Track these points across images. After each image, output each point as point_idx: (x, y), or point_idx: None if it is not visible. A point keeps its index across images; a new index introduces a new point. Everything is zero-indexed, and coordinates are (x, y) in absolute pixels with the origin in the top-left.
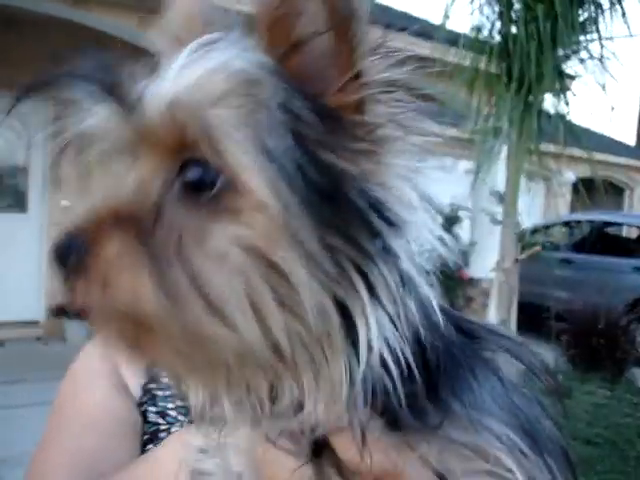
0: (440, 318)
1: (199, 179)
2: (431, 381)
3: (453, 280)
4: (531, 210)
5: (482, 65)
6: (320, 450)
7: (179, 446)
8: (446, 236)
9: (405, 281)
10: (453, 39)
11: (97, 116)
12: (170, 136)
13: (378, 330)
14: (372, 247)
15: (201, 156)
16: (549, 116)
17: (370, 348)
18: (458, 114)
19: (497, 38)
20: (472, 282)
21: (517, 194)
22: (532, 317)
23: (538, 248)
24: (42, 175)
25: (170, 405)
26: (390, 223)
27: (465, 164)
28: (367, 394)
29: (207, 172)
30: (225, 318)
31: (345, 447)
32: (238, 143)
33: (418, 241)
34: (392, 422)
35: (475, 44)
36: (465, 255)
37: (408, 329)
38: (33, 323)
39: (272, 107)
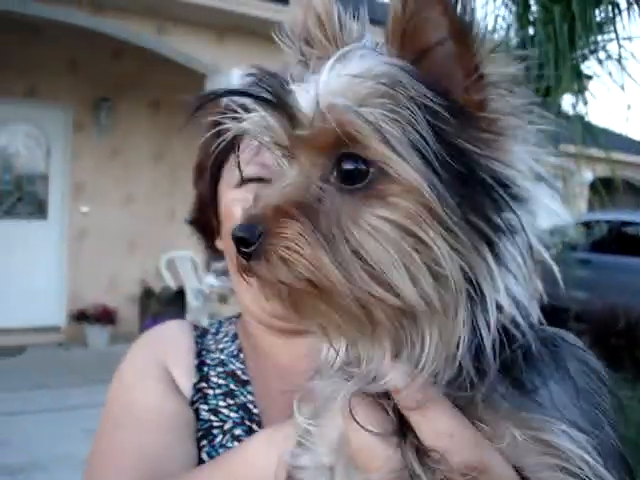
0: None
1: (354, 170)
2: (516, 377)
3: None
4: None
5: None
6: (405, 433)
7: (269, 443)
8: (561, 210)
9: (530, 250)
10: None
11: (257, 118)
12: (326, 135)
13: (506, 292)
14: (500, 220)
15: (354, 151)
16: (567, 117)
17: (500, 307)
18: None
19: (514, 39)
20: None
21: None
22: (551, 318)
23: (558, 248)
24: (62, 182)
25: (221, 403)
26: (515, 197)
27: None
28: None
29: (360, 163)
30: (385, 281)
31: (428, 431)
32: (386, 137)
33: (539, 215)
34: (478, 405)
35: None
36: None
37: (535, 294)
38: (54, 329)
39: (412, 105)
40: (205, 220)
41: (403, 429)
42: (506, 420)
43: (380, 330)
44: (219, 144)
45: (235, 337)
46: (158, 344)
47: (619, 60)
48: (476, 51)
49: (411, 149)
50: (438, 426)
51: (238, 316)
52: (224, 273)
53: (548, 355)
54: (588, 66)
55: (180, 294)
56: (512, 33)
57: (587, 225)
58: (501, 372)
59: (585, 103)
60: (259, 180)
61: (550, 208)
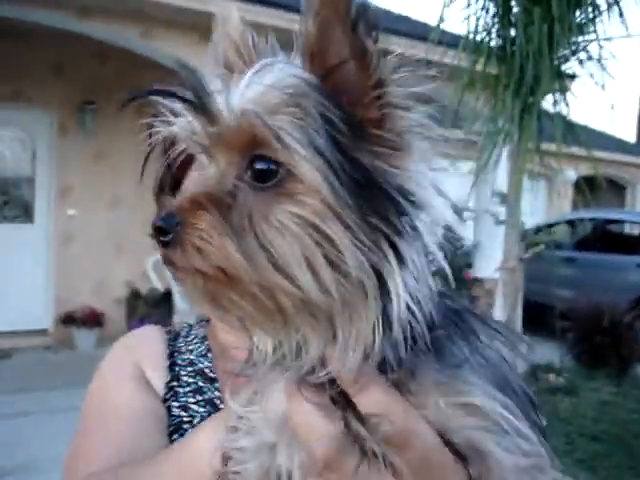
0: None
1: (265, 169)
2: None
3: (457, 280)
4: (534, 209)
5: (480, 67)
6: (344, 406)
7: (212, 430)
8: (454, 219)
9: (426, 253)
10: (450, 41)
11: (184, 122)
12: (240, 137)
13: (405, 288)
14: (400, 224)
15: (265, 152)
16: (550, 115)
17: (399, 300)
18: (461, 116)
19: (496, 40)
20: (476, 282)
21: (520, 194)
22: (537, 316)
23: (541, 247)
24: (48, 185)
25: (191, 399)
26: (414, 205)
27: (469, 165)
28: (393, 346)
29: (271, 164)
30: (287, 272)
31: (366, 402)
32: (294, 142)
33: (436, 222)
34: (402, 380)
35: (474, 46)
36: (469, 255)
37: (429, 291)
38: (42, 332)
39: (316, 115)
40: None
41: (342, 403)
42: (431, 391)
43: (292, 321)
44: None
45: (204, 339)
46: (133, 348)
47: (599, 60)
48: (374, 71)
49: (315, 153)
50: (374, 398)
51: (208, 319)
52: None
53: (459, 334)
54: (570, 67)
55: (167, 296)
56: (493, 34)
57: (571, 223)
58: (420, 353)
59: (566, 104)
60: None
61: (445, 215)
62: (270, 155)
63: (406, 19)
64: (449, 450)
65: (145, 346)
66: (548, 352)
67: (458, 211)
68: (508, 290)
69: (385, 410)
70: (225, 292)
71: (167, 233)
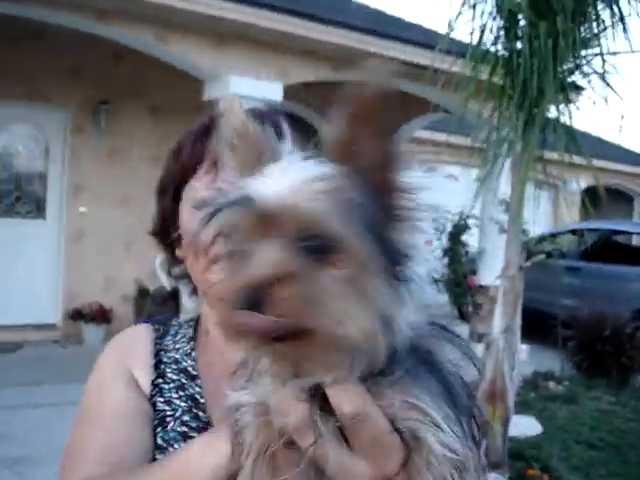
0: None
1: (312, 244)
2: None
3: (462, 287)
4: (539, 218)
5: (485, 76)
6: (316, 397)
7: (205, 443)
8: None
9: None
10: (459, 50)
11: (238, 217)
12: (287, 221)
13: (405, 321)
14: (401, 273)
15: (315, 232)
16: (555, 125)
17: (400, 331)
18: (469, 123)
19: (501, 51)
20: (480, 289)
21: (522, 202)
22: (539, 324)
23: (542, 256)
24: (60, 183)
25: (174, 395)
26: (409, 261)
27: (476, 172)
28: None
29: (322, 241)
30: (351, 327)
31: (338, 398)
32: (335, 220)
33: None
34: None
35: (480, 56)
36: (474, 262)
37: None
38: (51, 326)
39: (350, 201)
40: (166, 232)
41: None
42: (386, 389)
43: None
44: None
45: (191, 339)
46: (121, 348)
47: (602, 75)
48: (394, 172)
49: (351, 229)
50: (344, 391)
51: (197, 318)
52: (182, 277)
53: (419, 347)
54: (575, 79)
55: (175, 294)
56: (499, 45)
57: (576, 233)
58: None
59: (570, 116)
60: None
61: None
62: (315, 232)
63: (417, 27)
64: (396, 436)
65: (133, 346)
66: (549, 360)
67: (462, 220)
68: (508, 298)
69: (348, 395)
70: (303, 348)
71: (250, 304)
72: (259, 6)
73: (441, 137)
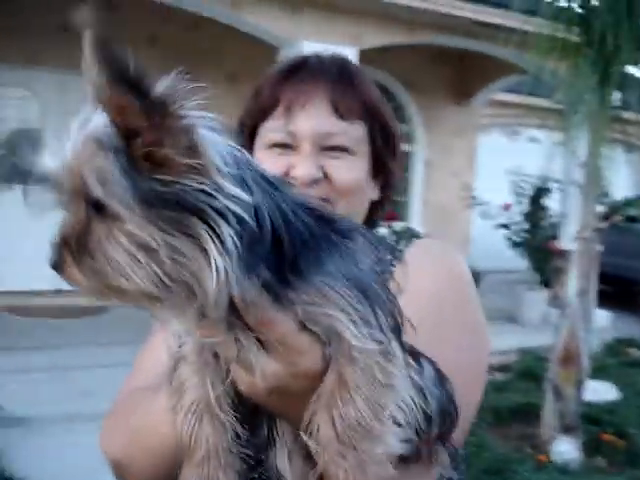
0: (292, 219)
1: (93, 205)
2: (294, 262)
3: (543, 252)
4: (629, 183)
5: (560, 34)
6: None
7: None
8: (238, 192)
9: (236, 218)
10: (529, 8)
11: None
12: (72, 185)
13: (222, 257)
14: (212, 212)
15: (90, 193)
16: (631, 83)
17: (217, 268)
18: (551, 85)
19: (576, 8)
20: (561, 253)
21: (598, 162)
22: (623, 291)
23: (620, 218)
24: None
25: None
26: (211, 195)
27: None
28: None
29: (96, 200)
30: (123, 275)
31: (246, 315)
32: (105, 180)
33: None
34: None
35: (555, 13)
36: (555, 227)
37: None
38: None
39: (115, 156)
40: None
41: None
42: (300, 294)
43: (155, 302)
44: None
45: None
46: None
47: None
48: (156, 113)
49: (115, 186)
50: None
51: None
52: None
53: (323, 243)
54: None
55: None
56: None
57: None
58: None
59: None
60: (284, 146)
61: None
62: (92, 194)
63: None
64: (306, 335)
65: None
66: (631, 327)
67: (543, 184)
68: (583, 260)
69: (256, 307)
70: (103, 295)
71: (52, 261)
72: None
73: (523, 100)
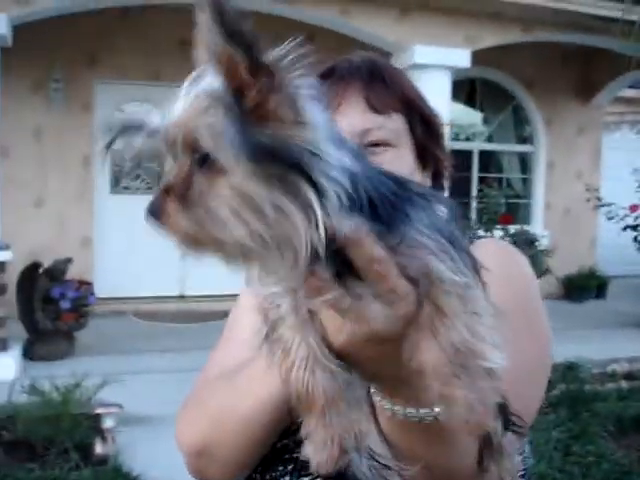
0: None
1: (202, 157)
2: (390, 219)
3: None
4: None
5: None
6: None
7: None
8: (339, 154)
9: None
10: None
11: (146, 141)
12: (181, 138)
13: (326, 210)
14: (310, 166)
15: (198, 147)
16: None
17: (319, 226)
18: None
19: None
20: None
21: None
22: None
23: None
24: None
25: None
26: (313, 154)
27: None
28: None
29: (204, 153)
30: (227, 227)
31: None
32: (214, 135)
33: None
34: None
35: None
36: None
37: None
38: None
39: (226, 112)
40: None
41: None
42: (397, 242)
43: (249, 257)
44: None
45: None
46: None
47: None
48: (266, 74)
49: (230, 139)
50: (367, 252)
51: None
52: None
53: (408, 203)
54: None
55: None
56: None
57: None
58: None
59: None
60: None
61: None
62: (201, 148)
63: None
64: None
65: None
66: None
67: None
68: None
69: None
70: (201, 248)
71: (154, 217)
72: None
73: None
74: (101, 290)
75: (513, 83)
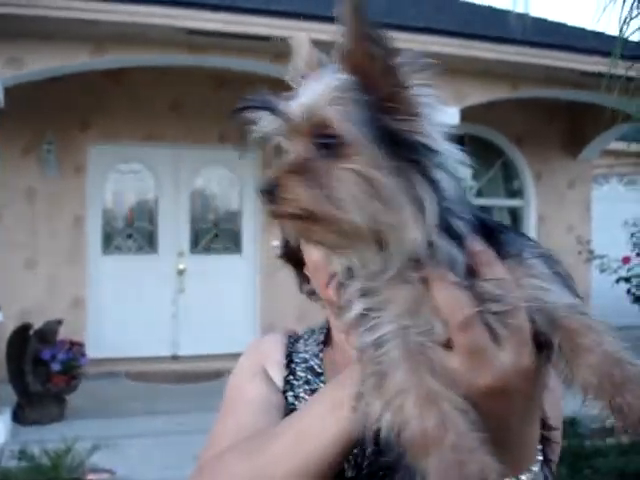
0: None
1: (326, 142)
2: (498, 240)
3: None
4: None
5: None
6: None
7: (328, 395)
8: (464, 156)
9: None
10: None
11: (271, 123)
12: (307, 125)
13: (434, 204)
14: (427, 161)
15: (325, 131)
16: None
17: (432, 211)
18: None
19: None
20: None
21: None
22: None
23: None
24: (254, 219)
25: (301, 390)
26: (431, 150)
27: None
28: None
29: (330, 138)
30: (348, 210)
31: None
32: (344, 121)
33: (450, 161)
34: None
35: None
36: None
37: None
38: None
39: (355, 102)
40: (292, 254)
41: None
42: (515, 269)
43: (358, 242)
44: None
45: (321, 343)
46: (259, 350)
47: None
48: (390, 69)
49: (357, 127)
50: (498, 272)
51: (328, 327)
52: (312, 293)
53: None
54: None
55: None
56: None
57: None
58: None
59: None
60: None
61: (456, 155)
62: (328, 132)
63: (584, 31)
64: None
65: (269, 348)
66: None
67: None
68: None
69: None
70: (311, 228)
71: (270, 194)
72: (429, 32)
73: (637, 147)
74: (93, 351)
75: (502, 138)
